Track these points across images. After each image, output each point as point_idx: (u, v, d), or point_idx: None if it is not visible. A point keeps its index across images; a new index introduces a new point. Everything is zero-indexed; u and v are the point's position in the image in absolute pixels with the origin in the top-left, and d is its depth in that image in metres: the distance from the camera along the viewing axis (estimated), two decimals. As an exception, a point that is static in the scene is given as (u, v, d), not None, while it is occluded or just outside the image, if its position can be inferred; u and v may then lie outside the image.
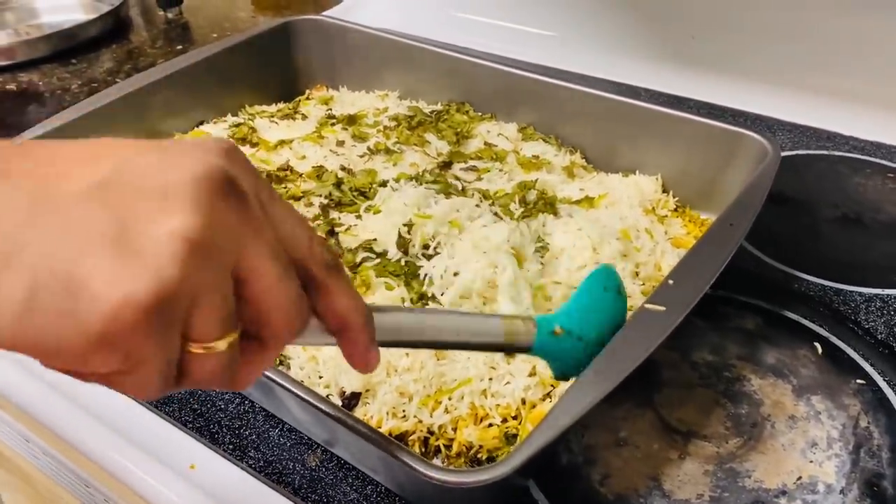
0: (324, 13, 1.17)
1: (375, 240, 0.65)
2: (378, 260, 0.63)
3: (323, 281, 0.32)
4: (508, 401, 0.54)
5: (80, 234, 0.25)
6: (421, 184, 0.71)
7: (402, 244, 0.63)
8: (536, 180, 0.71)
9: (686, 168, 0.75)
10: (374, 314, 0.36)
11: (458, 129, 0.83)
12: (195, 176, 0.27)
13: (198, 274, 0.26)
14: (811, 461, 0.53)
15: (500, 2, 1.18)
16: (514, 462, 0.42)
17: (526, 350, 0.43)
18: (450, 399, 0.54)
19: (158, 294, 0.25)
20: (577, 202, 0.70)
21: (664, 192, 0.76)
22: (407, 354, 0.56)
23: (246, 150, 0.82)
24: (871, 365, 0.60)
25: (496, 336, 0.42)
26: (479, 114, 0.87)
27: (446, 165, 0.77)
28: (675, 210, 0.75)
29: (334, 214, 0.70)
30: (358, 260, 0.63)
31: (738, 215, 0.59)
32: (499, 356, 0.56)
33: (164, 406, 0.58)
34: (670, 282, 0.53)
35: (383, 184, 0.72)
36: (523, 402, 0.55)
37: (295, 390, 0.49)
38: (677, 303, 0.51)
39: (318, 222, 0.69)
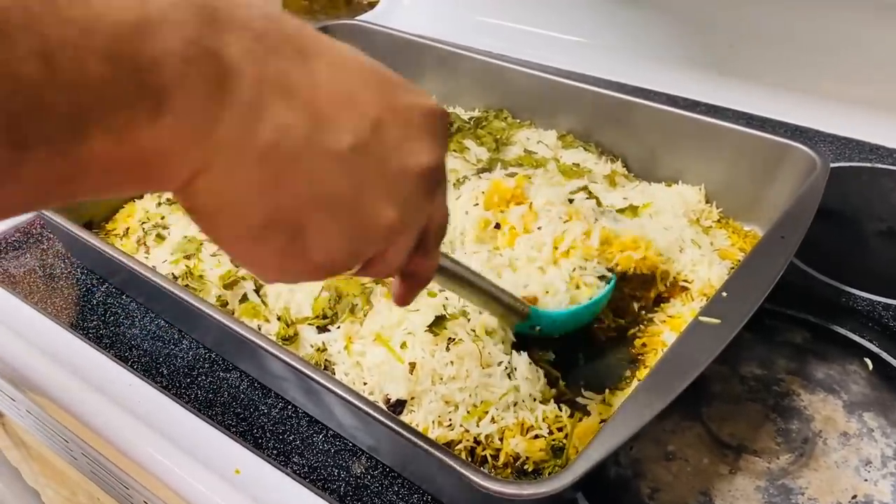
0: (357, 18, 1.17)
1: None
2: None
3: (432, 250, 0.39)
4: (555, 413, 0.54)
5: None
6: (458, 189, 0.70)
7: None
8: (585, 186, 0.70)
9: (730, 179, 0.74)
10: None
11: (498, 136, 0.83)
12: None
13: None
14: (866, 479, 0.52)
15: (528, 7, 1.17)
16: (573, 475, 0.41)
17: (522, 318, 0.57)
18: (496, 409, 0.54)
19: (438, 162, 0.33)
20: (621, 211, 0.69)
21: (707, 202, 0.75)
22: (451, 363, 0.56)
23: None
24: (924, 382, 0.59)
25: (511, 300, 0.55)
26: (518, 121, 0.87)
27: (486, 172, 0.76)
28: (719, 221, 0.74)
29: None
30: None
31: (789, 228, 0.58)
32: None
33: (207, 410, 0.58)
34: (724, 294, 0.53)
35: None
36: (570, 414, 0.54)
37: (343, 394, 0.49)
38: (731, 316, 0.50)
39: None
